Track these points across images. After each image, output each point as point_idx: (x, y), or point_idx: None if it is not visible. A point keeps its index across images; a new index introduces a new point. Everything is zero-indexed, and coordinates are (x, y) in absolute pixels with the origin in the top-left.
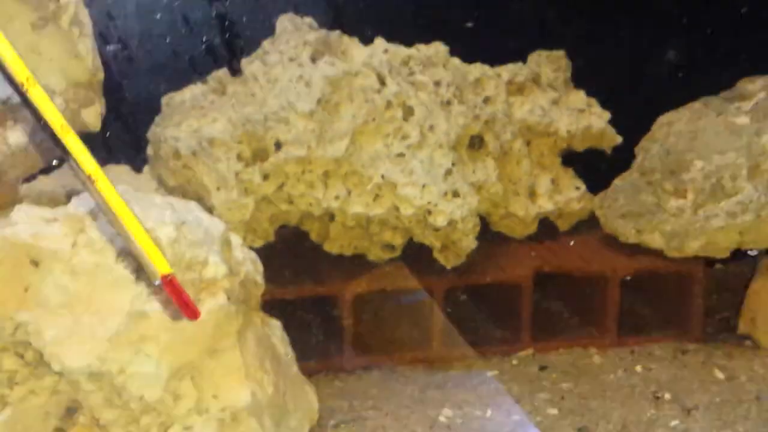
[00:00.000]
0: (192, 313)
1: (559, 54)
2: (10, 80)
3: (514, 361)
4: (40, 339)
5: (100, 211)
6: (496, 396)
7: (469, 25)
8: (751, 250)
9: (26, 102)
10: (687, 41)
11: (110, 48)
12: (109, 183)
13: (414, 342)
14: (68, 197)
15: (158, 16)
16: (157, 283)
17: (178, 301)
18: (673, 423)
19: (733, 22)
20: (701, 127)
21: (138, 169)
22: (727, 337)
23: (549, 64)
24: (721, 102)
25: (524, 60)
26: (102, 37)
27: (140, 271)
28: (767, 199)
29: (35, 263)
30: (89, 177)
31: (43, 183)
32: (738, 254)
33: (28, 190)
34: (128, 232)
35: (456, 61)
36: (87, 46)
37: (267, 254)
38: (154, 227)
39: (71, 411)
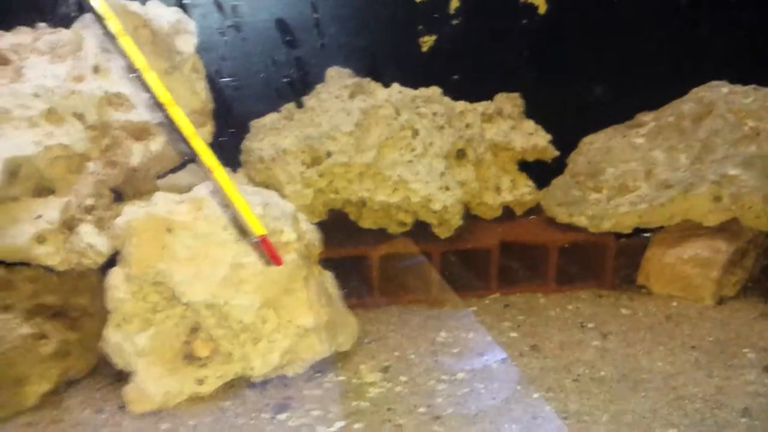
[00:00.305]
0: (278, 261)
1: (515, 95)
2: (157, 102)
3: (486, 302)
4: (172, 281)
5: (216, 194)
6: (475, 324)
7: (455, 77)
8: (646, 229)
9: (168, 118)
10: (597, 86)
11: (216, 86)
12: (223, 172)
13: (419, 289)
14: (189, 187)
15: (249, 68)
16: (254, 240)
17: (269, 253)
18: (595, 343)
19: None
20: (612, 145)
21: (234, 170)
22: (629, 287)
23: (508, 102)
24: (625, 128)
25: (491, 99)
26: (210, 79)
27: (240, 235)
28: (657, 194)
29: (169, 230)
30: (210, 169)
31: (173, 178)
32: (637, 231)
33: (163, 183)
34: (236, 206)
35: (447, 99)
36: (201, 85)
37: (322, 228)
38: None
39: (194, 330)
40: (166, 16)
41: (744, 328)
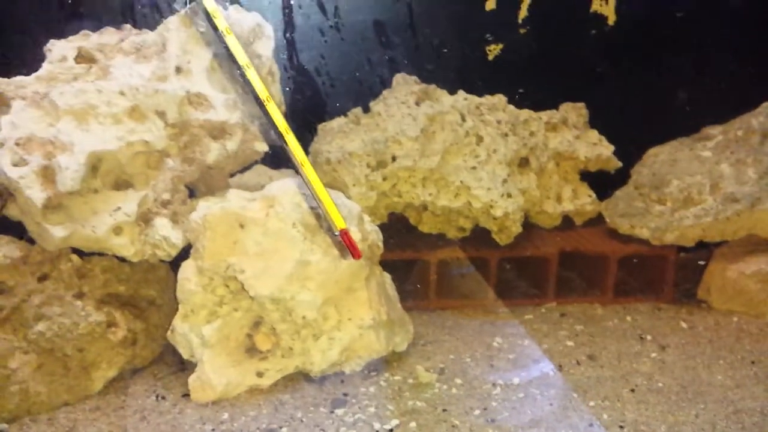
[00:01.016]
0: (357, 254)
1: (581, 105)
2: (256, 98)
3: (543, 310)
4: (242, 274)
5: (287, 193)
6: (531, 331)
7: (521, 85)
8: (709, 243)
9: (265, 112)
10: (664, 98)
11: (287, 90)
12: (311, 167)
13: (476, 294)
14: (257, 187)
15: (316, 75)
16: (336, 233)
17: (350, 246)
18: (653, 355)
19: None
20: (678, 158)
21: None
22: (688, 301)
23: (573, 111)
24: (691, 141)
25: (557, 108)
26: (284, 83)
27: (308, 233)
28: (722, 207)
29: (242, 226)
30: (300, 163)
31: (243, 177)
32: (700, 246)
33: (233, 181)
34: (321, 201)
35: (512, 107)
36: (277, 88)
37: (384, 231)
38: None
39: (258, 324)
40: (246, 20)
41: None
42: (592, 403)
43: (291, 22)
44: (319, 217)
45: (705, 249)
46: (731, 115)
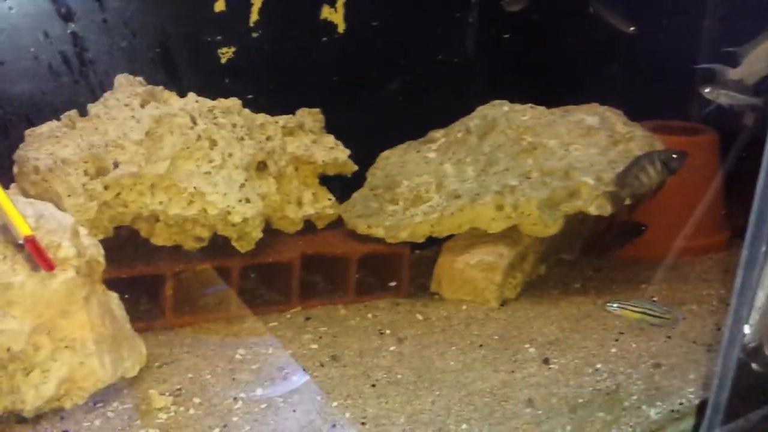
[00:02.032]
0: (48, 266)
1: (316, 110)
2: None
3: (288, 316)
4: None
5: None
6: (275, 339)
7: (256, 89)
8: (439, 239)
9: None
10: (395, 104)
11: None
12: None
13: (218, 306)
14: None
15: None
16: (20, 242)
17: (38, 256)
18: (392, 348)
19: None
20: (407, 160)
21: (7, 186)
22: (423, 294)
23: (309, 117)
24: (418, 144)
25: (293, 113)
26: None
27: (5, 252)
28: (447, 204)
29: None
30: None
31: None
32: (432, 242)
33: None
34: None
35: (247, 111)
36: None
37: (109, 247)
38: None
39: None
40: None
41: (524, 326)
42: (335, 404)
43: None
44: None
45: (437, 244)
46: (454, 119)
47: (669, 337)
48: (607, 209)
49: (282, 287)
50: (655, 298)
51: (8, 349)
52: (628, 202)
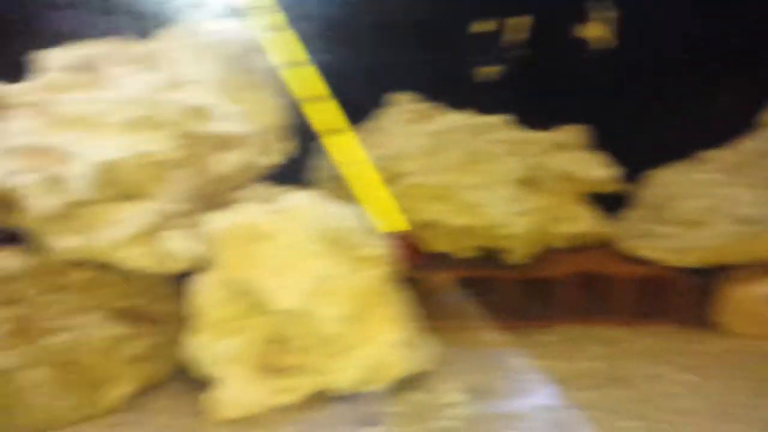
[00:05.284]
0: (416, 259)
1: (583, 127)
2: (298, 98)
3: (559, 331)
4: (259, 289)
5: (321, 200)
6: (549, 352)
7: (523, 107)
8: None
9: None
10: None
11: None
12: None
13: (489, 315)
14: (272, 200)
15: None
16: (390, 235)
17: (407, 250)
18: (675, 375)
19: None
20: (681, 180)
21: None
22: (700, 323)
23: (576, 134)
24: (694, 163)
25: (560, 130)
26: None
27: (329, 246)
28: (739, 230)
29: (258, 239)
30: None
31: (256, 190)
32: (713, 268)
33: (245, 194)
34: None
35: (516, 127)
36: (277, 102)
37: None
38: None
39: (279, 340)
40: (242, 34)
41: None
42: (622, 423)
43: None
44: (341, 229)
45: (709, 272)
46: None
47: None
48: None
49: (552, 302)
50: None
51: (325, 332)
52: None
